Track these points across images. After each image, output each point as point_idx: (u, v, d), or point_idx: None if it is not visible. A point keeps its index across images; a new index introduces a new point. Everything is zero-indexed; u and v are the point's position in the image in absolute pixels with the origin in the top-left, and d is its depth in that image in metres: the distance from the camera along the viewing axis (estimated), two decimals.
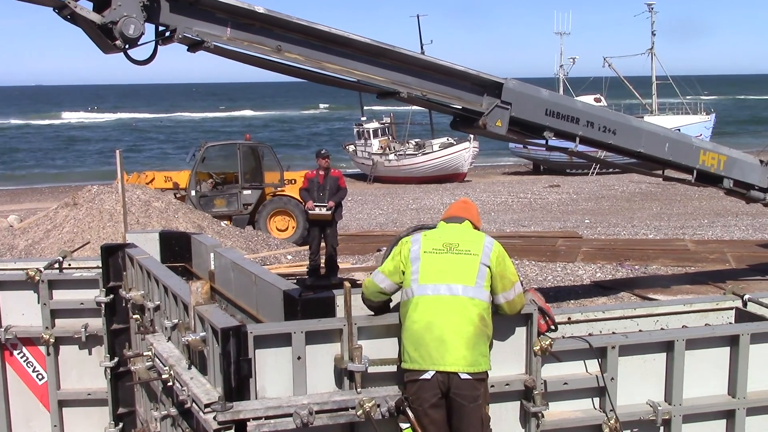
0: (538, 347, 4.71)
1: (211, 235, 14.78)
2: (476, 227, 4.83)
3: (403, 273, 4.59)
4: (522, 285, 4.80)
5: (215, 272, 7.02)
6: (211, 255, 7.04)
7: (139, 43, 6.24)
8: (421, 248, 4.58)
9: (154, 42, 6.52)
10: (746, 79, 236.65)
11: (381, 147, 43.03)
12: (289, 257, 16.10)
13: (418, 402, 4.37)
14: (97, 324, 6.70)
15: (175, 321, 5.21)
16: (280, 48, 6.58)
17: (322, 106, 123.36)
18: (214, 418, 4.14)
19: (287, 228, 19.79)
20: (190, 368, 4.79)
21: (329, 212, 12.55)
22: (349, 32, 6.87)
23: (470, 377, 4.36)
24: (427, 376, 4.36)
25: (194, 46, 6.58)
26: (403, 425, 4.40)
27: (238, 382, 4.22)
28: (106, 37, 6.20)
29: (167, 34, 6.46)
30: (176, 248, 7.69)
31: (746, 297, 6.11)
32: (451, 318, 4.40)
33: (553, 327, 4.87)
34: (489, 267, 4.54)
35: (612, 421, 4.86)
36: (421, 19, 45.35)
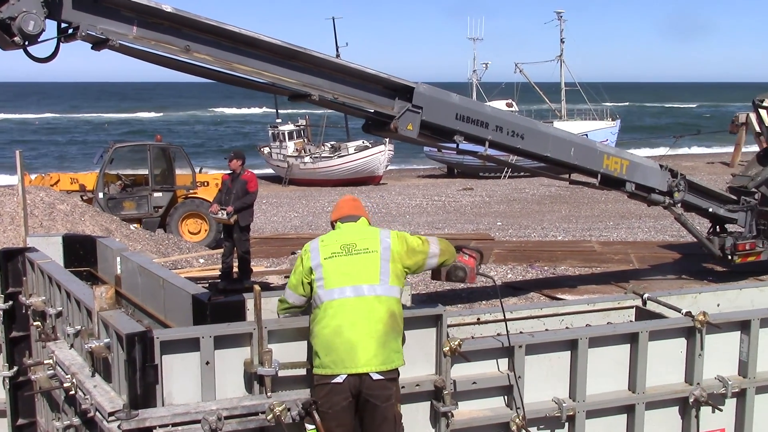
0: (447, 348, 4.78)
1: (119, 238, 14.39)
2: (369, 222, 4.88)
3: (310, 284, 4.59)
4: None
5: (122, 277, 6.83)
6: (118, 259, 6.84)
7: (39, 40, 6.02)
8: (321, 255, 4.58)
9: (55, 39, 6.29)
10: (649, 87, 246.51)
11: (296, 149, 42.81)
12: (201, 261, 15.83)
13: (327, 405, 4.36)
14: None
15: (78, 327, 5.04)
16: (188, 48, 6.45)
17: (235, 108, 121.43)
18: (119, 426, 4.03)
19: (200, 231, 19.45)
20: (93, 376, 4.65)
21: (227, 217, 12.37)
22: (259, 33, 6.80)
23: (382, 377, 4.39)
24: (339, 379, 4.36)
25: (99, 44, 6.37)
26: (309, 426, 4.39)
27: (144, 389, 4.12)
28: (4, 33, 5.96)
29: (70, 31, 6.24)
30: (80, 252, 7.44)
31: (646, 296, 6.37)
32: (360, 319, 4.41)
33: (477, 258, 5.02)
34: (391, 261, 4.56)
35: (519, 419, 4.97)
36: (337, 22, 45.35)
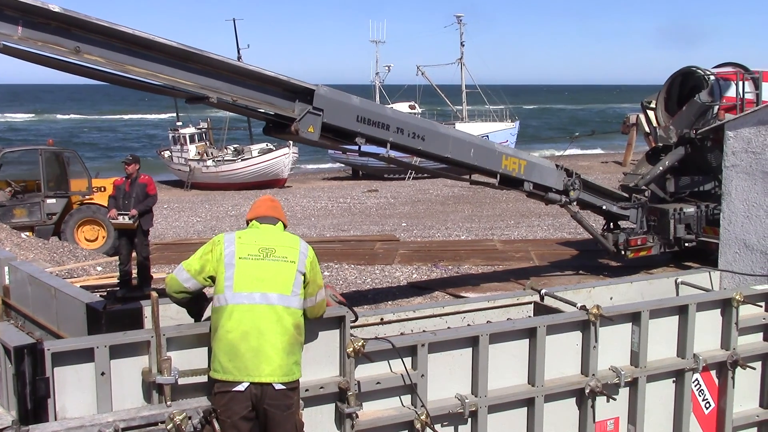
0: (351, 349, 4.78)
1: (9, 248, 13.77)
2: (285, 226, 4.77)
3: (211, 278, 4.43)
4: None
5: (10, 287, 6.53)
6: (6, 268, 6.54)
7: None
8: (236, 253, 4.41)
9: None
10: (545, 89, 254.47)
11: (198, 153, 41.97)
12: (99, 269, 15.29)
13: (227, 414, 4.26)
14: None
15: None
16: (78, 49, 6.20)
17: (130, 111, 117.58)
18: None
19: (97, 238, 18.81)
20: None
21: (132, 221, 12.07)
22: (153, 35, 6.63)
23: (284, 387, 4.32)
24: (241, 387, 4.25)
25: None
26: None
27: (34, 404, 3.98)
28: None
29: None
30: None
31: (543, 292, 6.57)
32: (267, 328, 4.31)
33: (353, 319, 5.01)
34: (304, 275, 4.50)
35: (423, 417, 5.02)
36: (239, 24, 44.70)
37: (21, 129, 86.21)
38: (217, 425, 4.24)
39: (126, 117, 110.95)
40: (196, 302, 4.69)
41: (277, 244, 4.52)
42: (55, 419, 4.08)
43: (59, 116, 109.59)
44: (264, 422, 4.35)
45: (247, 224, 4.73)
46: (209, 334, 4.46)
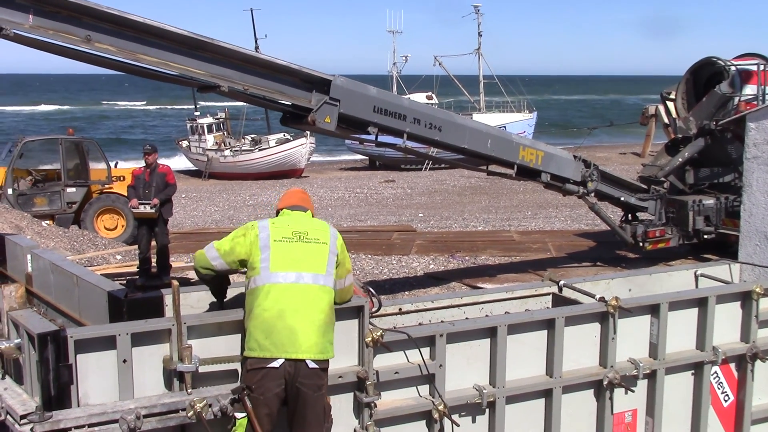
0: (369, 339, 4.80)
1: (30, 236, 13.90)
2: (313, 216, 4.91)
3: (240, 262, 4.57)
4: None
5: (33, 275, 6.59)
6: (28, 256, 6.60)
7: None
8: (271, 236, 4.56)
9: None
10: (559, 79, 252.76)
11: (216, 143, 42.16)
12: (119, 257, 15.42)
13: (260, 390, 4.33)
14: None
15: None
16: (89, 38, 6.19)
17: (146, 101, 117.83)
18: (32, 429, 3.91)
19: (116, 227, 18.98)
20: (3, 378, 4.47)
21: (153, 210, 12.19)
22: (164, 23, 6.62)
23: (317, 366, 4.41)
24: (276, 364, 4.34)
25: None
26: (239, 415, 4.33)
27: (57, 390, 4.01)
28: None
29: None
30: None
31: (561, 283, 6.55)
32: (303, 306, 4.43)
33: (374, 309, 5.08)
34: (337, 255, 4.66)
35: (441, 407, 5.04)
36: (257, 14, 44.72)
37: (29, 119, 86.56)
38: (248, 402, 4.29)
39: (140, 107, 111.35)
40: (219, 282, 4.88)
41: (308, 227, 4.68)
42: (78, 405, 4.12)
43: (69, 107, 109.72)
44: (294, 402, 4.42)
45: (277, 214, 4.90)
46: (232, 323, 4.54)
